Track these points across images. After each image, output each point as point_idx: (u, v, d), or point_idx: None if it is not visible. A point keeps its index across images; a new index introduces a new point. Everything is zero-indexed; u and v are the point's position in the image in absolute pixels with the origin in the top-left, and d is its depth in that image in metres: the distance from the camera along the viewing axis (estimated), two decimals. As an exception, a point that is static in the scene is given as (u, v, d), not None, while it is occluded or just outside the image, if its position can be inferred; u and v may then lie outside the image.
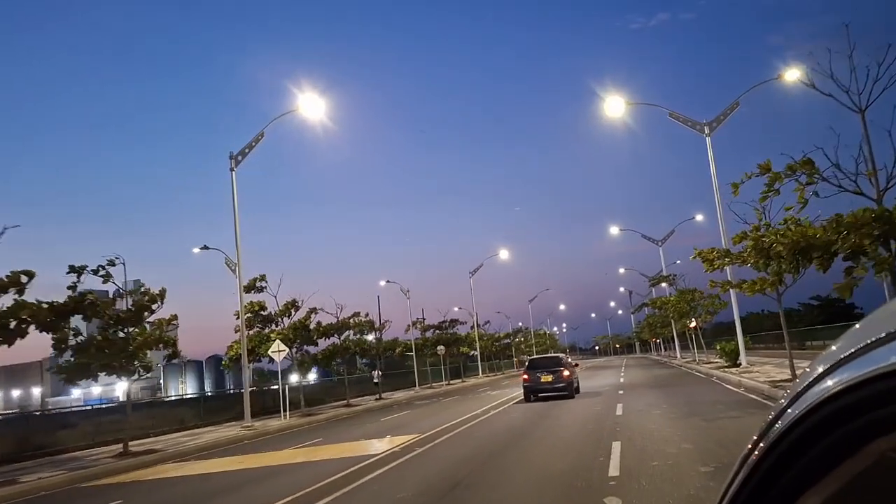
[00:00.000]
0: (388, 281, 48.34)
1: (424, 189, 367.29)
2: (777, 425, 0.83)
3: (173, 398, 50.22)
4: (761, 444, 0.84)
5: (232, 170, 25.64)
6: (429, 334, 51.64)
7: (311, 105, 26.08)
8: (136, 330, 19.74)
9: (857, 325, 0.81)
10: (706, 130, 26.58)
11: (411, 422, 21.80)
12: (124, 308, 19.66)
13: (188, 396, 50.77)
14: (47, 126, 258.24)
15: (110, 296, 21.12)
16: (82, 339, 18.49)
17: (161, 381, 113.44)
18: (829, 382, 0.75)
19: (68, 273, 18.90)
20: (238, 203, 25.57)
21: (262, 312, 30.18)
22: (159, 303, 20.38)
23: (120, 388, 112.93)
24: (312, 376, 57.95)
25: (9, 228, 15.45)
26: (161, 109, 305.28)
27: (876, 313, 0.81)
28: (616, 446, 11.40)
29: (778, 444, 0.81)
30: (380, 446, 15.24)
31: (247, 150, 25.76)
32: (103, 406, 35.19)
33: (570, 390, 24.82)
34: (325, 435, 20.54)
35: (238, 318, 29.95)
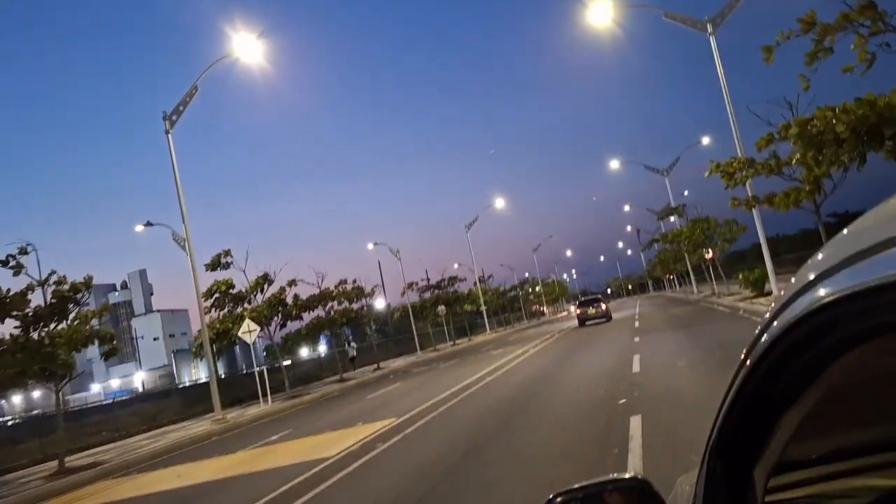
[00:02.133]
0: (375, 243, 45.09)
1: (403, 153, 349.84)
2: (762, 340, 0.82)
3: (155, 391, 47.72)
4: (748, 362, 0.84)
5: (167, 132, 22.24)
6: (428, 295, 48.59)
7: (248, 48, 22.43)
8: (61, 328, 16.70)
9: (846, 231, 0.79)
10: (709, 28, 22.81)
11: (396, 399, 18.88)
12: (43, 303, 16.54)
13: (182, 386, 48.36)
14: None
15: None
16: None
17: (174, 369, 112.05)
18: (814, 295, 0.74)
19: (-33, 267, 15.84)
20: (179, 169, 22.23)
21: (230, 291, 27.07)
22: (85, 292, 17.29)
23: (138, 379, 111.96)
24: (322, 348, 55.49)
25: None
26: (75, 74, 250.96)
27: (866, 217, 0.78)
28: (636, 435, 8.28)
29: (762, 360, 0.81)
30: (340, 443, 12.23)
31: (181, 108, 22.30)
32: (83, 408, 32.71)
33: (608, 317, 38.46)
34: (297, 424, 17.80)
35: (207, 298, 27.10)
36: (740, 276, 33.16)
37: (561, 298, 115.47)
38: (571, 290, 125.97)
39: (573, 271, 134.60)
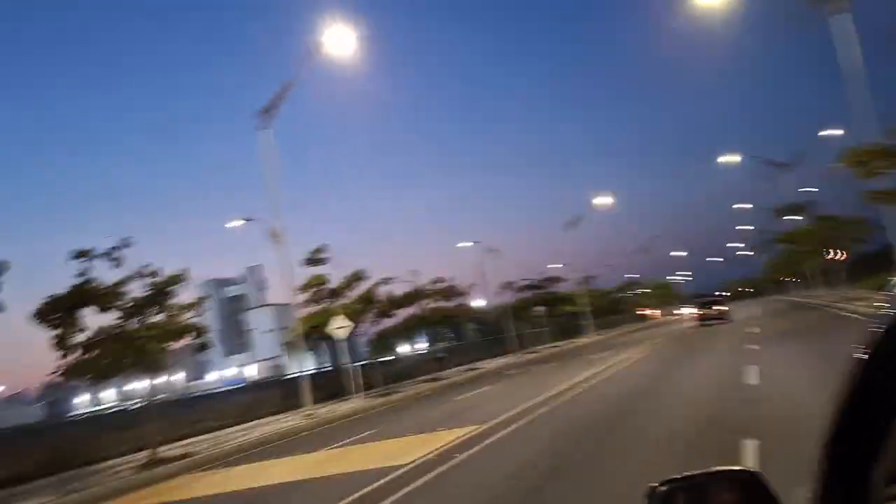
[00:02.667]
0: (473, 242, 44.31)
1: (500, 153, 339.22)
2: (884, 334, 0.79)
3: (261, 381, 48.99)
4: (866, 357, 0.80)
5: (261, 128, 22.39)
6: (526, 295, 47.23)
7: (343, 41, 22.01)
8: (156, 320, 16.96)
9: None
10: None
11: (483, 402, 17.98)
12: (139, 296, 16.84)
13: (283, 378, 49.57)
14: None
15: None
16: (88, 334, 15.86)
17: (283, 360, 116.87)
18: None
19: (74, 259, 16.31)
20: (273, 166, 22.35)
21: (325, 286, 27.10)
22: (180, 285, 17.50)
23: (252, 369, 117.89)
24: (423, 345, 55.33)
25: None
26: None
27: None
28: (750, 465, 6.92)
29: (884, 354, 0.78)
30: (417, 449, 11.42)
31: (276, 104, 22.37)
32: (185, 398, 34.06)
33: (727, 318, 38.60)
34: (382, 424, 17.30)
35: (302, 292, 27.29)
36: (876, 281, 29.81)
37: (669, 301, 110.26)
38: (680, 292, 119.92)
39: (682, 272, 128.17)
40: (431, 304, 32.77)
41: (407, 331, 31.87)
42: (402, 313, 31.63)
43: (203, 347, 18.48)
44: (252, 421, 25.24)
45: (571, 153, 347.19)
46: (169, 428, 23.60)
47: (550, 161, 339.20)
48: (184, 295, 17.57)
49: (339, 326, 24.24)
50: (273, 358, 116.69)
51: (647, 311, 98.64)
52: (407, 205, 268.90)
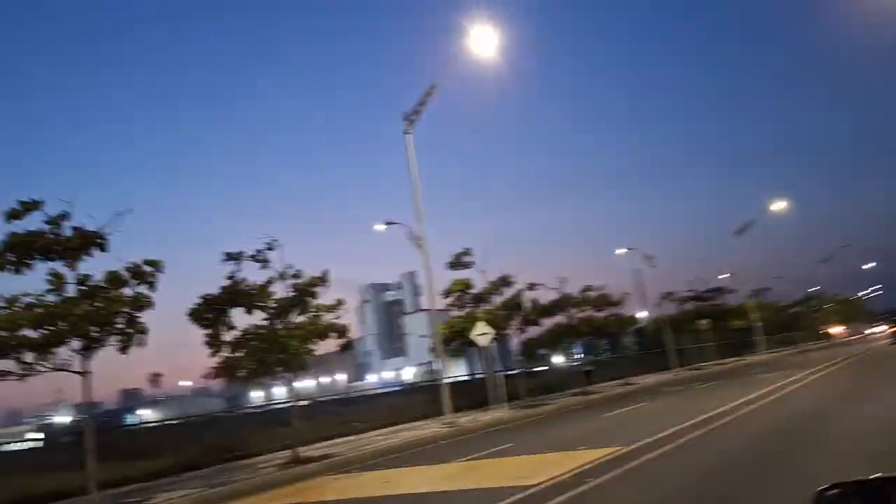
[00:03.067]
0: (628, 248, 41.86)
1: (659, 160, 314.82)
2: None
3: (413, 385, 49.48)
4: None
5: (406, 132, 22.41)
6: (689, 306, 43.82)
7: (488, 43, 21.40)
8: (300, 320, 17.32)
9: None
10: None
11: (632, 421, 16.55)
12: (280, 296, 17.29)
13: (431, 383, 50.00)
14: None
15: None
16: (236, 333, 16.47)
17: (440, 365, 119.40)
18: None
19: (224, 261, 17.12)
20: (416, 170, 22.27)
21: (469, 291, 26.65)
22: (322, 286, 17.77)
23: (408, 372, 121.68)
24: (576, 356, 53.62)
25: (122, 213, 13.49)
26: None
27: None
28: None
29: None
30: (550, 469, 10.39)
31: (420, 108, 22.29)
32: (334, 398, 35.11)
33: None
34: (521, 438, 16.43)
35: (446, 297, 27.08)
36: None
37: (856, 317, 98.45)
38: (869, 308, 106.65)
39: (873, 287, 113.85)
40: (581, 313, 31.29)
41: (554, 340, 30.57)
42: (550, 322, 30.46)
43: (347, 348, 18.58)
44: (397, 425, 25.31)
45: (742, 154, 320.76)
46: (320, 427, 24.27)
47: (716, 163, 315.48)
48: (325, 296, 17.84)
49: (481, 333, 23.62)
50: (428, 362, 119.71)
51: (830, 329, 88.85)
52: (553, 211, 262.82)
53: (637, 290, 43.61)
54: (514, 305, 27.04)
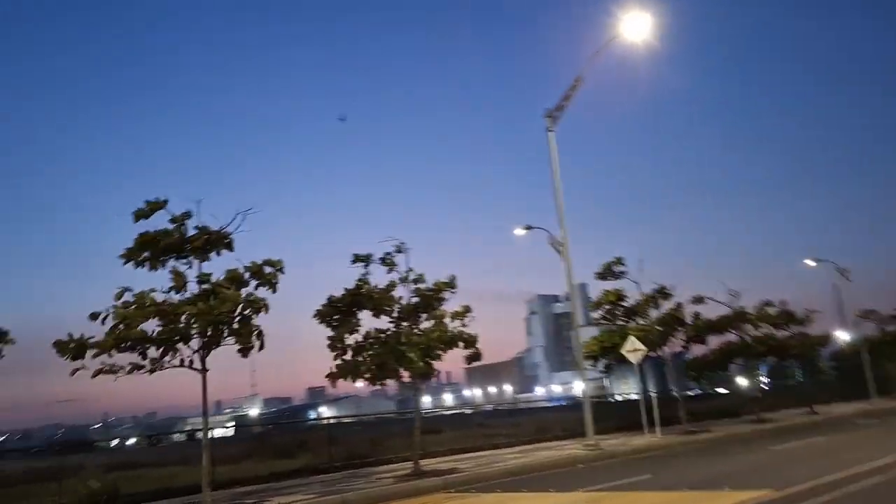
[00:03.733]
0: (816, 260, 36.52)
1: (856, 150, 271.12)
2: None
3: (574, 402, 47.18)
4: None
5: (549, 130, 21.04)
6: (893, 328, 37.42)
7: (642, 30, 19.48)
8: (424, 327, 16.65)
9: None
10: None
11: (801, 459, 13.87)
12: (407, 302, 16.72)
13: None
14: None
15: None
16: (357, 337, 16.15)
17: (609, 381, 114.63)
18: None
19: (353, 263, 16.94)
20: (560, 170, 20.81)
21: (621, 303, 24.51)
22: (449, 291, 16.99)
23: (579, 387, 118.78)
24: (762, 379, 48.47)
25: (246, 213, 13.59)
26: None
27: None
28: None
29: None
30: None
31: (564, 103, 20.82)
32: (490, 410, 34.23)
33: None
34: (664, 469, 14.45)
35: (595, 309, 25.26)
36: None
37: None
38: None
39: None
40: (757, 331, 27.73)
41: (723, 360, 27.31)
42: (719, 340, 27.29)
43: (474, 358, 17.56)
44: (541, 442, 23.86)
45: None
46: (463, 438, 23.60)
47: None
48: (452, 302, 17.03)
49: (633, 349, 21.49)
50: (598, 378, 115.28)
51: None
52: (721, 219, 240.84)
53: (831, 307, 38.13)
54: (672, 320, 24.44)
